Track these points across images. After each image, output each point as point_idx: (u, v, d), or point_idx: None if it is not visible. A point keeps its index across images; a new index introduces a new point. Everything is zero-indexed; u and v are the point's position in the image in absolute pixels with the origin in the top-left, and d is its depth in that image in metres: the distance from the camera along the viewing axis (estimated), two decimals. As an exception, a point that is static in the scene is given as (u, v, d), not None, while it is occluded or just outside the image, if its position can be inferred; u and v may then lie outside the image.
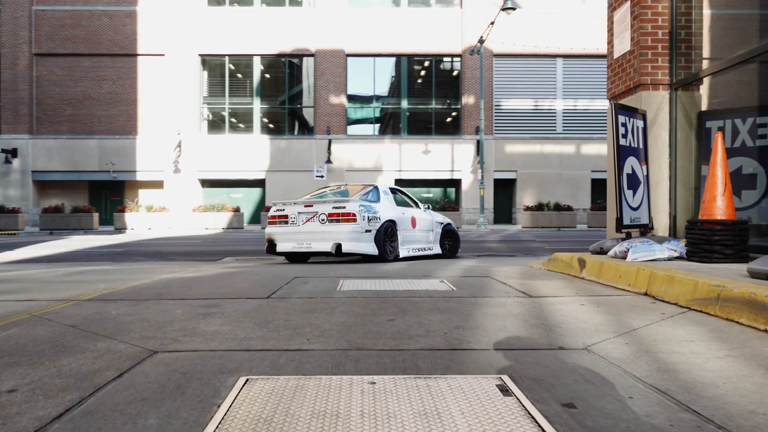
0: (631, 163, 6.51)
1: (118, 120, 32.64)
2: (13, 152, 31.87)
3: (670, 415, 2.01)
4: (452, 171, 32.86)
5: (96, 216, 29.58)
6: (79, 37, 32.34)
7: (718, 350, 2.86)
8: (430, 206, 11.07)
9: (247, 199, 33.70)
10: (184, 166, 32.39)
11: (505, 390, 2.23)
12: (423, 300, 4.57)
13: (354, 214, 8.63)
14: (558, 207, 29.40)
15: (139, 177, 32.90)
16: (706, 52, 6.76)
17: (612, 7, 7.60)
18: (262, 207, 32.40)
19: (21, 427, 1.94)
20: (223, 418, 2.01)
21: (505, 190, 33.31)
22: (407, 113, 33.47)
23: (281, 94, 33.83)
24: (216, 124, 33.71)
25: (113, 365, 2.67)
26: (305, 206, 9.02)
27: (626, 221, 6.39)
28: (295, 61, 33.56)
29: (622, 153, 6.34)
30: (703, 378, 2.40)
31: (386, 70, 33.99)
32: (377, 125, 34.21)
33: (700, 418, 1.98)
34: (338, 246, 8.66)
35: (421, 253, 10.16)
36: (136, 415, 2.04)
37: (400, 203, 10.59)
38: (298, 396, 2.22)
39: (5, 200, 31.91)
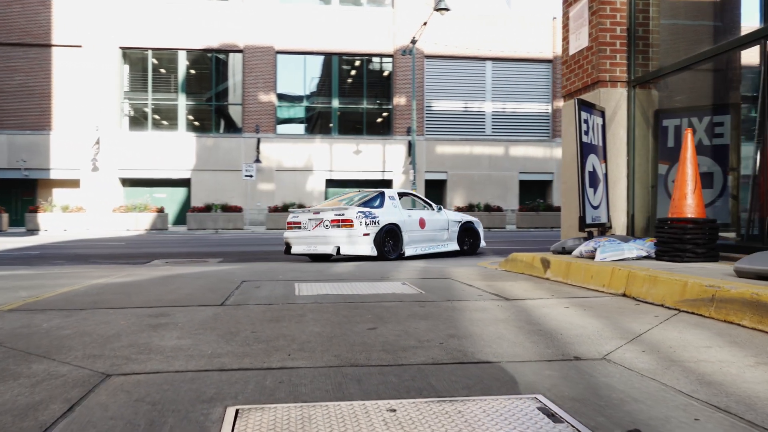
0: (592, 161, 6.38)
1: (30, 114, 30.30)
2: None
3: (750, 440, 1.73)
4: (384, 171, 32.68)
5: (6, 216, 27.68)
6: (-14, 24, 29.90)
7: (743, 357, 2.65)
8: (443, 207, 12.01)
9: (171, 199, 32.14)
10: (103, 164, 30.48)
11: (551, 414, 1.89)
12: (395, 305, 4.21)
13: (351, 220, 9.57)
14: (488, 208, 29.83)
15: (54, 175, 30.74)
16: (663, 50, 6.73)
17: (567, 3, 7.49)
18: (187, 207, 30.91)
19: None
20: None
21: (436, 191, 33.42)
22: (338, 113, 33.01)
23: (207, 90, 32.54)
24: (138, 120, 31.98)
25: (59, 395, 2.11)
26: (314, 213, 10.07)
27: (588, 220, 6.25)
28: (222, 57, 32.36)
29: (584, 150, 6.20)
30: (756, 392, 2.15)
31: (317, 68, 33.38)
32: (308, 124, 33.54)
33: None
34: (338, 248, 9.60)
35: (431, 251, 10.89)
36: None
37: (411, 206, 11.68)
38: (306, 434, 1.77)
39: None
